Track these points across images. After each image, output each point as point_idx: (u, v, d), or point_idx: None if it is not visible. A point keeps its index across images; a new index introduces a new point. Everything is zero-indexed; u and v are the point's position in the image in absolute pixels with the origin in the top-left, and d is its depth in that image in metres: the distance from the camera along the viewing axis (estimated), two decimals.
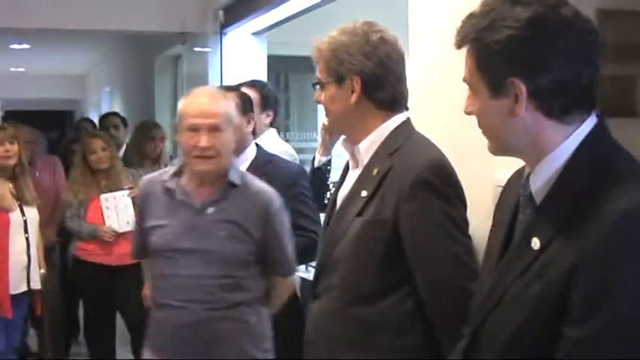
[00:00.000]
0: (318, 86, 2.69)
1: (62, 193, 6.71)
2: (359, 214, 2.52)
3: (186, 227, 3.33)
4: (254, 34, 7.13)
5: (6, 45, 11.36)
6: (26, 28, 7.87)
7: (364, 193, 2.53)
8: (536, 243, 1.72)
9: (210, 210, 3.31)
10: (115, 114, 8.82)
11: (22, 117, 12.50)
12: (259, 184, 3.39)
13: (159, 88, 10.05)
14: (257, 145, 4.04)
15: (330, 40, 2.63)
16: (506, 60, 1.74)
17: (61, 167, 7.31)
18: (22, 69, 15.08)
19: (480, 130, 1.90)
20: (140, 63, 11.18)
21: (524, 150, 1.83)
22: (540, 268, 1.69)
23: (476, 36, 1.78)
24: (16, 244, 5.63)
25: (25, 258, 5.60)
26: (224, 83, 7.05)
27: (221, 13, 7.04)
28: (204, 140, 3.25)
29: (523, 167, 1.91)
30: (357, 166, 2.66)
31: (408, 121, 2.66)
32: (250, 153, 3.98)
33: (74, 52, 13.28)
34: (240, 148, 3.84)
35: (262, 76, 6.88)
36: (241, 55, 7.19)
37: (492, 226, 2.03)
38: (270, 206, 3.30)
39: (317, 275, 2.70)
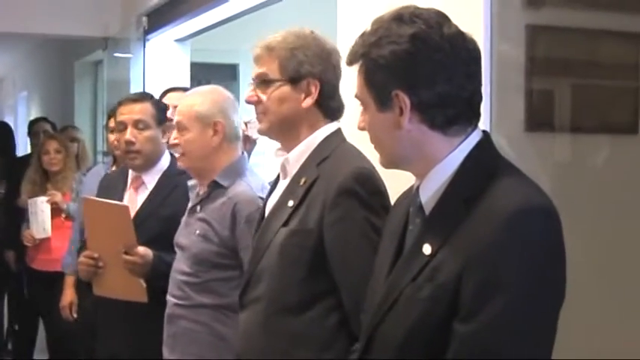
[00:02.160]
0: (252, 85, 2.64)
1: None
2: (285, 224, 2.49)
3: (184, 223, 3.39)
4: (177, 40, 7.08)
5: None
6: None
7: (290, 203, 2.50)
8: (427, 249, 1.77)
9: (197, 208, 3.34)
10: (44, 119, 8.68)
11: None
12: (242, 189, 3.30)
13: (78, 93, 9.93)
14: (171, 155, 3.98)
15: (287, 39, 2.59)
16: (390, 74, 1.83)
17: None
18: None
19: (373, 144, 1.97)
20: (59, 67, 11.03)
21: (412, 161, 1.90)
22: (431, 271, 1.74)
23: (364, 52, 1.88)
24: None
25: None
26: (147, 90, 6.99)
27: (144, 18, 6.98)
28: (172, 137, 3.37)
29: (411, 187, 1.98)
30: (286, 176, 2.63)
31: (338, 132, 2.63)
32: (164, 163, 3.97)
33: None
34: (154, 158, 3.91)
35: (185, 83, 6.83)
36: (164, 61, 7.13)
37: (382, 241, 2.09)
38: (240, 211, 3.20)
39: (244, 286, 2.66)
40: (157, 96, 5.13)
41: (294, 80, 2.56)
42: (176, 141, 3.34)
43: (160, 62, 7.13)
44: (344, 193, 2.40)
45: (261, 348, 2.53)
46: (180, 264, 3.30)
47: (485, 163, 1.83)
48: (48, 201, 6.09)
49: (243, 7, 5.60)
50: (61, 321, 5.49)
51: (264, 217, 2.66)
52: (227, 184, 3.29)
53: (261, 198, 3.05)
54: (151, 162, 3.91)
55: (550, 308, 1.69)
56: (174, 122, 3.41)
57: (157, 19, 6.82)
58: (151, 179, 3.93)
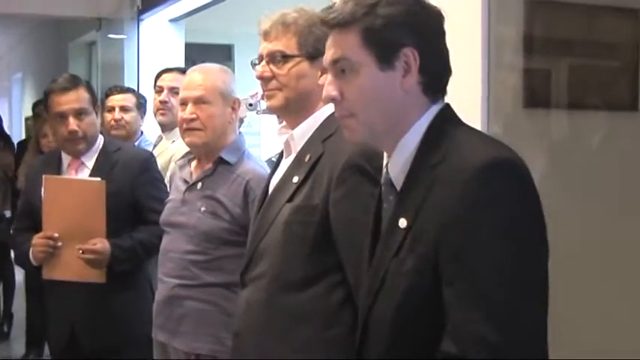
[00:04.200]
0: (263, 61, 2.60)
1: None
2: (289, 200, 2.46)
3: (180, 202, 3.35)
4: (171, 20, 7.05)
5: None
6: None
7: (295, 179, 2.48)
8: (403, 222, 1.77)
9: (199, 185, 3.31)
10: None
11: None
12: (252, 166, 3.32)
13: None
14: (102, 134, 4.06)
15: (303, 16, 2.57)
16: (403, 29, 1.82)
17: None
18: None
19: (348, 114, 1.89)
20: (53, 49, 10.99)
21: (388, 132, 1.87)
22: (411, 242, 1.74)
23: (365, 12, 1.83)
24: None
25: None
26: (142, 70, 6.97)
27: None
28: (187, 111, 3.29)
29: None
30: (290, 154, 2.61)
31: None
32: (99, 142, 3.99)
33: None
34: (94, 141, 3.94)
35: (179, 64, 6.80)
36: (159, 42, 7.11)
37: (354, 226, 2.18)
38: (253, 189, 3.18)
39: (246, 264, 2.64)
40: (151, 78, 5.14)
41: (312, 56, 2.54)
42: (193, 115, 3.29)
43: (154, 43, 7.11)
44: (350, 169, 2.36)
45: (263, 325, 2.50)
46: (179, 243, 3.27)
47: (447, 130, 1.82)
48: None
49: None
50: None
51: (267, 195, 2.64)
52: (233, 160, 3.30)
53: None
54: (91, 145, 3.94)
55: (533, 260, 1.66)
56: (181, 97, 3.39)
57: (151, 0, 6.79)
58: (90, 158, 3.94)
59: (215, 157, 3.32)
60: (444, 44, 1.89)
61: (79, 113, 3.85)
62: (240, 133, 3.45)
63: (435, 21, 1.87)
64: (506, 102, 2.84)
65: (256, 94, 4.37)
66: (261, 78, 2.61)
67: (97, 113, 3.96)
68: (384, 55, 1.82)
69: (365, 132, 1.88)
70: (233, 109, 3.37)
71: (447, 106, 1.89)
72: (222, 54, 8.31)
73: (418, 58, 1.81)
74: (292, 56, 2.56)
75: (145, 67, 6.96)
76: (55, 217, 3.76)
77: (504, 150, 1.73)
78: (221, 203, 3.22)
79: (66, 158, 3.96)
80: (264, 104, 2.79)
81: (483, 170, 1.64)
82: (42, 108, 8.07)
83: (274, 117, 2.89)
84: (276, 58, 2.57)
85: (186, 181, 3.39)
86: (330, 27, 1.89)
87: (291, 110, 2.60)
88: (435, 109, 1.86)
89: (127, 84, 6.85)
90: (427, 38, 1.84)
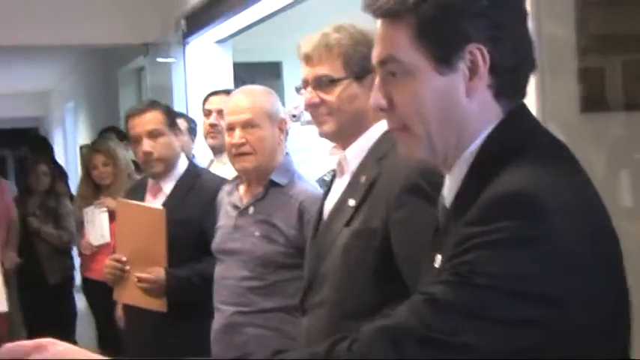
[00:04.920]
0: (308, 87, 2.49)
1: (12, 215, 6.80)
2: (347, 224, 2.36)
3: (232, 228, 3.31)
4: (218, 42, 7.04)
5: None
6: None
7: (352, 202, 2.37)
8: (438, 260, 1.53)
9: (251, 210, 3.27)
10: (112, 128, 8.70)
11: None
12: (304, 187, 3.28)
13: (123, 101, 9.92)
14: (188, 159, 4.10)
15: (344, 34, 2.46)
16: (466, 23, 1.48)
17: (8, 190, 7.40)
18: None
19: (400, 126, 1.58)
20: (103, 76, 11.07)
21: (447, 148, 1.54)
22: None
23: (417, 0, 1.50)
24: None
25: None
26: (190, 93, 6.97)
27: (183, 22, 6.95)
28: (236, 136, 3.24)
29: None
30: (343, 174, 2.51)
31: None
32: (181, 167, 4.00)
33: (36, 68, 13.12)
34: (172, 164, 3.95)
35: (228, 84, 6.78)
36: (206, 63, 7.09)
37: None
38: (307, 209, 3.12)
39: (305, 290, 2.56)
40: (200, 100, 5.13)
41: (360, 76, 2.44)
42: (242, 140, 3.25)
43: (202, 65, 7.10)
44: (409, 190, 2.27)
45: None
46: (234, 270, 3.23)
47: (508, 144, 1.48)
48: (98, 206, 6.09)
49: (281, 3, 5.54)
50: (115, 331, 5.49)
51: (321, 217, 2.56)
52: (284, 182, 3.25)
53: None
54: (169, 167, 3.94)
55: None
56: (227, 122, 3.35)
57: (196, 22, 6.78)
58: (169, 185, 3.97)
59: (265, 180, 3.27)
60: (525, 32, 1.54)
61: (153, 135, 3.87)
62: (287, 153, 3.41)
63: (512, 4, 1.53)
64: (562, 106, 2.75)
65: (299, 105, 4.33)
66: (309, 105, 2.50)
67: (176, 136, 3.96)
68: (442, 54, 1.49)
69: (421, 147, 1.56)
70: (280, 129, 3.32)
71: (515, 111, 1.54)
72: (271, 71, 8.28)
73: (488, 56, 1.47)
74: (340, 79, 2.46)
75: (193, 89, 6.95)
76: (124, 240, 3.86)
77: (544, 181, 1.39)
78: (275, 227, 3.17)
79: (150, 182, 4.00)
80: (307, 115, 2.72)
81: (495, 200, 1.38)
82: (110, 135, 8.20)
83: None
84: (323, 82, 2.47)
85: (236, 207, 3.34)
86: (377, 17, 1.57)
87: (345, 134, 2.49)
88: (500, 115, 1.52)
89: (176, 107, 6.84)
90: (501, 28, 1.48)
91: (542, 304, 1.31)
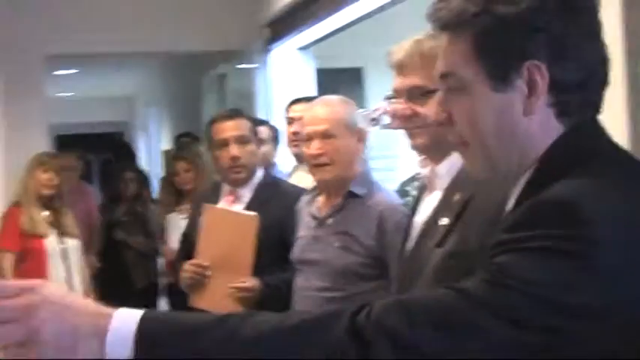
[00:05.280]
0: (399, 98, 2.34)
1: (94, 220, 6.88)
2: (439, 245, 2.20)
3: (311, 239, 3.32)
4: (300, 48, 7.05)
5: (53, 71, 11.39)
6: (73, 53, 7.89)
7: (444, 221, 2.22)
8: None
9: (330, 221, 3.27)
10: (187, 134, 8.79)
11: (72, 141, 12.57)
12: (382, 197, 3.26)
13: (206, 108, 10.01)
14: (265, 168, 4.16)
15: (440, 42, 2.36)
16: (524, 38, 1.40)
17: (92, 195, 7.50)
18: (69, 93, 15.13)
19: (460, 141, 1.53)
20: (187, 83, 11.17)
21: (509, 168, 1.49)
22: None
23: (478, 11, 1.43)
24: (56, 272, 5.67)
25: (66, 287, 5.62)
26: (273, 100, 7.00)
27: (266, 29, 6.98)
28: (314, 147, 3.25)
29: None
30: (433, 190, 2.39)
31: None
32: (258, 175, 4.05)
33: (121, 74, 13.29)
34: (254, 172, 4.00)
35: (310, 90, 6.80)
36: (288, 70, 7.11)
37: None
38: (387, 219, 3.11)
39: None
40: (283, 107, 5.14)
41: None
42: (320, 151, 3.25)
43: (284, 71, 7.12)
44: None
45: None
46: (313, 280, 3.23)
47: (562, 161, 1.41)
48: (181, 211, 6.15)
49: (365, 10, 5.53)
50: None
51: (408, 235, 2.47)
52: (363, 192, 3.23)
53: None
54: (251, 175, 3.97)
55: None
56: (306, 132, 3.35)
57: (279, 29, 6.81)
58: (247, 192, 3.98)
59: (344, 191, 3.26)
60: (594, 46, 1.45)
61: (241, 141, 3.90)
62: (366, 163, 3.39)
63: (582, 15, 1.43)
64: None
65: (378, 108, 4.30)
66: (401, 117, 2.35)
67: (257, 146, 4.00)
68: (499, 71, 1.43)
69: (482, 165, 1.51)
70: (359, 139, 3.30)
71: (576, 127, 1.45)
72: (353, 77, 8.26)
73: (547, 73, 1.40)
74: (435, 91, 2.37)
75: (276, 96, 6.98)
76: (208, 246, 3.83)
77: (585, 189, 1.32)
78: (354, 238, 3.15)
79: (225, 189, 4.00)
80: (386, 119, 2.63)
81: (526, 213, 1.35)
82: (182, 142, 8.29)
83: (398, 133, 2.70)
84: (416, 94, 2.31)
85: (315, 217, 3.34)
86: (438, 29, 1.53)
87: (438, 149, 2.32)
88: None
89: (259, 114, 6.89)
90: (563, 44, 1.41)
91: (562, 313, 1.26)
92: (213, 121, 4.07)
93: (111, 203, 7.92)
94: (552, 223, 1.29)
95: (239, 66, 7.85)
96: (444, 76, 1.52)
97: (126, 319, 1.36)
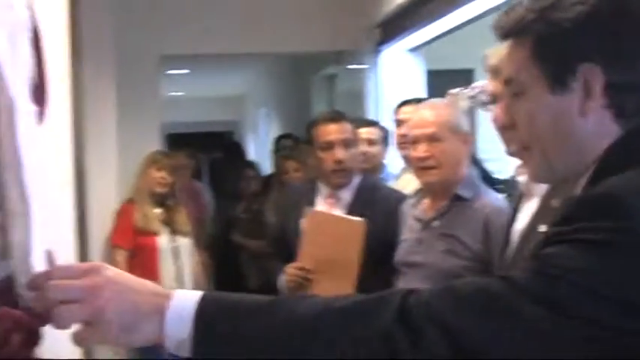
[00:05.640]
0: (497, 102, 2.38)
1: (205, 218, 6.92)
2: None
3: (415, 241, 3.33)
4: (411, 50, 7.03)
5: (165, 71, 11.61)
6: (185, 54, 8.03)
7: (543, 228, 2.22)
8: None
9: (435, 223, 3.28)
10: (288, 136, 8.85)
11: (183, 139, 12.77)
12: (489, 200, 3.27)
13: (316, 108, 10.05)
14: (374, 170, 4.18)
15: None
16: (577, 42, 1.44)
17: (203, 194, 7.55)
18: (180, 93, 15.40)
19: (521, 146, 1.57)
20: (296, 83, 11.24)
21: (569, 171, 1.52)
22: None
23: (535, 17, 1.48)
24: (167, 270, 5.75)
25: (177, 284, 5.70)
26: (382, 101, 6.99)
27: (376, 30, 6.98)
28: (420, 150, 3.27)
29: None
30: (532, 197, 2.42)
31: None
32: (356, 178, 4.01)
33: (231, 74, 13.47)
34: (355, 175, 3.98)
35: (420, 92, 6.77)
36: (398, 72, 7.10)
37: None
38: (493, 222, 3.11)
39: None
40: (392, 108, 5.13)
41: None
42: (426, 154, 3.28)
43: (394, 72, 7.11)
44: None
45: None
46: (417, 283, 3.17)
47: (616, 162, 1.42)
48: None
49: (476, 12, 5.48)
50: None
51: (509, 242, 2.47)
52: (469, 195, 3.22)
53: None
54: (352, 178, 3.94)
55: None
56: (412, 135, 3.37)
57: (390, 30, 6.80)
58: (346, 193, 3.95)
59: (450, 194, 3.27)
60: None
61: (347, 143, 3.90)
62: (472, 166, 3.38)
63: (635, 18, 1.44)
64: None
65: (477, 86, 4.23)
66: (498, 122, 2.38)
67: (357, 149, 4.02)
68: (555, 74, 1.46)
69: (541, 169, 1.55)
70: (465, 143, 3.29)
71: (635, 129, 1.45)
72: (463, 79, 8.20)
73: (602, 76, 1.42)
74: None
75: (386, 97, 6.96)
76: (311, 249, 3.79)
77: (634, 184, 1.35)
78: (460, 241, 3.14)
79: (323, 190, 4.00)
80: (484, 97, 2.65)
81: (573, 206, 1.37)
82: (283, 144, 8.34)
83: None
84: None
85: (419, 220, 3.34)
86: (501, 38, 1.58)
87: None
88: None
89: (368, 115, 6.89)
90: (618, 46, 1.43)
91: (603, 304, 1.26)
92: (316, 123, 4.05)
93: (229, 201, 7.99)
94: (598, 215, 1.31)
95: (349, 67, 7.86)
96: (507, 82, 1.57)
97: (185, 299, 1.40)
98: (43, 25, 2.27)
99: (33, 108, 1.91)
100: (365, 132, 5.09)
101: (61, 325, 1.38)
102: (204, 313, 1.37)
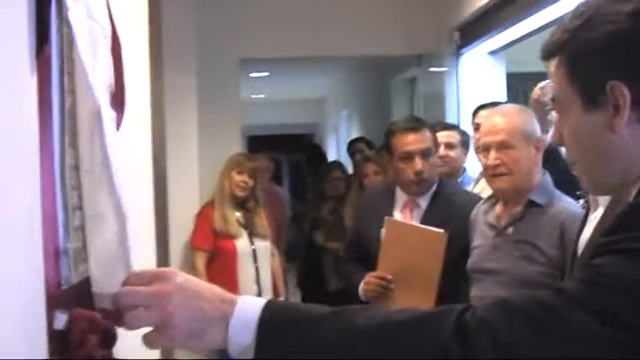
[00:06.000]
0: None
1: (283, 223, 6.92)
2: None
3: (490, 248, 3.30)
4: (491, 52, 6.98)
5: (246, 74, 11.71)
6: (267, 57, 8.10)
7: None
8: None
9: (510, 230, 3.26)
10: (361, 139, 8.84)
11: (263, 142, 12.87)
12: (565, 205, 3.25)
13: (396, 111, 10.04)
14: (441, 177, 4.10)
15: None
16: (605, 60, 1.48)
17: (282, 196, 7.54)
18: (262, 95, 15.51)
19: (572, 161, 1.63)
20: (377, 86, 11.24)
21: (617, 185, 1.54)
22: None
23: (567, 37, 1.53)
24: (246, 272, 5.78)
25: (256, 287, 5.73)
26: (462, 104, 6.96)
27: (456, 34, 6.95)
28: (491, 158, 3.26)
29: None
30: (597, 208, 2.41)
31: None
32: (435, 183, 4.00)
33: (311, 77, 13.53)
34: (435, 182, 3.96)
35: (500, 95, 6.72)
36: (479, 75, 7.06)
37: None
38: (569, 228, 3.06)
39: None
40: (470, 113, 5.10)
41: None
42: (497, 161, 3.26)
43: (475, 76, 7.07)
44: None
45: None
46: (490, 290, 3.18)
47: None
48: None
49: (555, 15, 5.42)
50: None
51: (576, 253, 2.44)
52: (543, 202, 3.19)
53: None
54: (431, 186, 3.94)
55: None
56: (483, 142, 3.35)
57: (469, 34, 6.76)
58: (424, 199, 3.95)
59: (524, 200, 3.23)
60: None
61: (426, 154, 3.89)
62: (545, 172, 3.34)
63: None
64: None
65: (544, 85, 4.15)
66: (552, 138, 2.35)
67: (436, 155, 4.01)
68: (587, 92, 1.50)
69: (590, 183, 1.60)
70: (537, 149, 3.26)
71: None
72: (544, 81, 8.12)
73: (628, 92, 1.44)
74: None
75: (465, 100, 6.93)
76: (391, 259, 3.76)
77: None
78: (536, 247, 3.11)
79: (401, 196, 3.99)
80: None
81: (620, 216, 1.40)
82: (360, 147, 8.34)
83: None
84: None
85: (493, 226, 3.31)
86: (544, 60, 1.61)
87: None
88: None
89: (448, 118, 6.86)
90: None
91: None
92: (395, 132, 4.03)
93: (310, 203, 8.00)
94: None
95: (429, 70, 7.84)
96: (553, 100, 1.67)
97: (249, 306, 1.44)
98: (123, 32, 2.32)
99: (113, 114, 1.95)
100: (444, 135, 5.06)
101: (131, 328, 1.44)
102: (267, 321, 1.41)
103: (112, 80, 1.99)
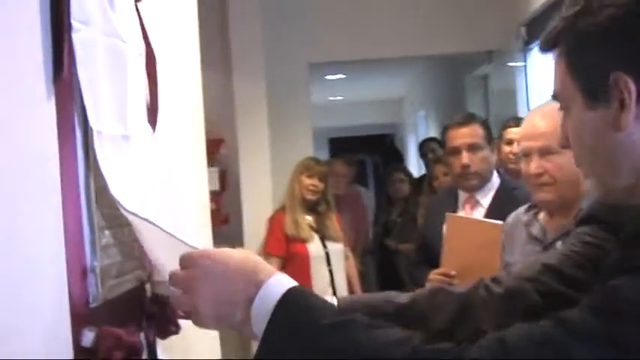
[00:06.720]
0: None
1: (363, 226, 6.90)
2: None
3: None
4: None
5: (322, 77, 11.76)
6: (342, 60, 8.15)
7: None
8: None
9: (559, 244, 2.87)
10: (433, 139, 8.81)
11: (345, 143, 12.91)
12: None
13: (470, 108, 9.97)
14: (498, 172, 4.06)
15: None
16: (607, 49, 1.32)
17: (362, 199, 7.52)
18: (339, 97, 15.55)
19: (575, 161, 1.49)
20: (451, 84, 11.20)
21: (628, 184, 1.38)
22: None
23: (565, 25, 1.39)
24: (319, 276, 5.80)
25: (330, 290, 5.75)
26: (531, 100, 6.89)
27: (523, 29, 6.89)
28: (533, 166, 2.92)
29: None
30: None
31: None
32: (495, 180, 3.99)
33: (388, 77, 13.52)
34: (488, 178, 3.95)
35: None
36: (547, 70, 6.95)
37: None
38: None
39: None
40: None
41: None
42: (540, 170, 2.90)
43: (543, 71, 6.99)
44: None
45: None
46: None
47: None
48: None
49: None
50: None
51: None
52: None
53: None
54: (484, 181, 3.93)
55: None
56: (522, 148, 3.04)
57: (536, 29, 6.70)
58: (485, 196, 3.95)
59: (572, 212, 2.83)
60: None
61: (472, 148, 3.90)
62: None
63: None
64: None
65: None
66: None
67: (492, 150, 3.98)
68: (589, 87, 1.36)
69: (601, 188, 1.45)
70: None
71: None
72: None
73: (634, 86, 1.30)
74: None
75: (535, 97, 6.86)
76: (454, 254, 3.76)
77: None
78: None
79: (462, 195, 4.02)
80: None
81: (631, 233, 1.29)
82: (428, 146, 8.31)
83: None
84: None
85: (538, 239, 3.04)
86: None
87: None
88: None
89: (520, 114, 6.81)
90: None
91: None
92: (448, 128, 4.08)
93: (386, 206, 8.01)
94: None
95: (502, 65, 7.80)
96: (554, 98, 1.49)
97: (270, 294, 1.42)
98: (174, 46, 2.39)
99: (148, 127, 2.01)
100: (517, 131, 4.99)
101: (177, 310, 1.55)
102: (277, 319, 1.39)
103: (147, 97, 2.05)
